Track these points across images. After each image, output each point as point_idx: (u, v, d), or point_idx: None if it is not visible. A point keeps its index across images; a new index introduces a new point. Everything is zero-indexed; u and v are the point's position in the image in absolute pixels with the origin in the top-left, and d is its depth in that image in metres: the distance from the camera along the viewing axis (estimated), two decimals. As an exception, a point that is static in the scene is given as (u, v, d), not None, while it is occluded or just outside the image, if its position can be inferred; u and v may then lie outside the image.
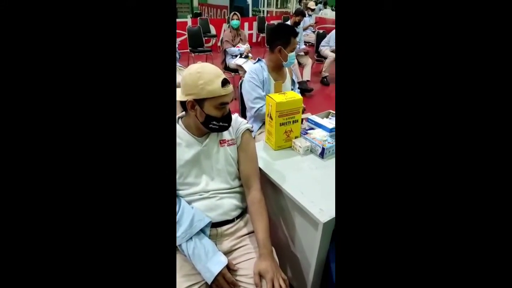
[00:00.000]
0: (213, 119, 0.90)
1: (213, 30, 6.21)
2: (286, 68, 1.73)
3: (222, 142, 0.99)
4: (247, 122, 1.05)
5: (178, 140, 0.95)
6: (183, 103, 0.92)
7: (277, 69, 1.67)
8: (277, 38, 1.60)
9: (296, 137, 1.27)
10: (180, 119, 1.00)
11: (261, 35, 6.57)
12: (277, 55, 1.60)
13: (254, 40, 6.91)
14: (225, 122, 0.92)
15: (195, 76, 0.86)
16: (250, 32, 6.85)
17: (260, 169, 1.08)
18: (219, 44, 4.49)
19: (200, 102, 0.88)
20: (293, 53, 1.61)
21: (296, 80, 1.89)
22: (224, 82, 0.87)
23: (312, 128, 1.35)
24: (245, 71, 3.39)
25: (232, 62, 3.56)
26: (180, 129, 0.97)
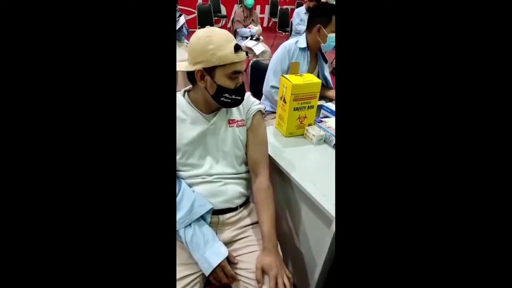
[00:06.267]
0: (225, 91, 0.79)
1: (223, 11, 6.01)
2: (320, 59, 1.54)
3: (231, 122, 0.89)
4: (259, 103, 0.95)
5: (183, 116, 0.85)
6: (190, 75, 0.82)
7: (312, 54, 1.50)
8: (316, 16, 1.41)
9: (309, 125, 1.18)
10: (186, 93, 0.90)
11: (273, 19, 6.34)
12: (315, 35, 1.42)
13: (265, 24, 6.70)
14: (238, 95, 0.81)
15: (204, 41, 0.75)
16: (262, 16, 6.63)
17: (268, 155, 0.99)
18: (229, 25, 4.33)
19: (210, 71, 0.77)
20: (334, 35, 1.40)
21: (329, 78, 1.61)
22: (237, 48, 0.76)
23: (327, 116, 1.25)
24: (254, 54, 3.25)
25: (242, 44, 3.40)
26: (186, 103, 0.87)
